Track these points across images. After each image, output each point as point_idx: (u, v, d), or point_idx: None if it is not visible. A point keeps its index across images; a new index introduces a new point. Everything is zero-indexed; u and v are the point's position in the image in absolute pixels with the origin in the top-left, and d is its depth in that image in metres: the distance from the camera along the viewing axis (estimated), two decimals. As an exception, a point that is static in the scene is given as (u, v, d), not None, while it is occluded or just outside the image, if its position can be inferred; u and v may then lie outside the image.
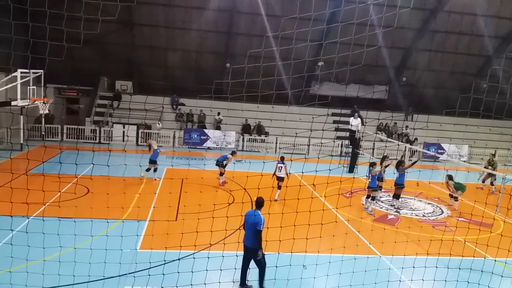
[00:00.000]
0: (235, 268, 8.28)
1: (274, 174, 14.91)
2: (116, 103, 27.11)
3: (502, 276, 9.05)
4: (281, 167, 14.84)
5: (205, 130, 26.15)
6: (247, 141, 26.49)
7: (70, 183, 13.12)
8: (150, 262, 8.61)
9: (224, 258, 8.22)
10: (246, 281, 8.32)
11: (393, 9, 14.42)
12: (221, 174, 16.55)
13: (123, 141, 24.84)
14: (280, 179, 14.79)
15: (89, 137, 25.11)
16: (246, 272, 8.32)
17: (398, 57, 29.97)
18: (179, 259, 8.58)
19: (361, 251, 9.83)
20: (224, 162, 16.51)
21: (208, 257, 8.22)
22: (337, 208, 12.71)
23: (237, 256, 8.35)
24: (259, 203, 8.35)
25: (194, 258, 8.16)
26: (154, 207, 12.58)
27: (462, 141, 28.44)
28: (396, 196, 14.91)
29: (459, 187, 15.49)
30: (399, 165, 14.94)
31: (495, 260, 9.92)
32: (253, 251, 8.07)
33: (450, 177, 15.69)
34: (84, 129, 25.43)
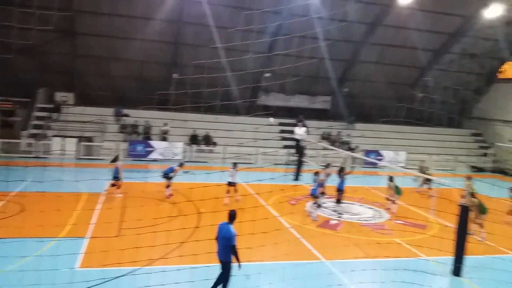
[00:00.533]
0: (178, 283, 8.16)
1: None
2: (56, 115, 25.89)
3: (434, 275, 9.63)
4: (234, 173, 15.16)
5: (150, 141, 25.61)
6: (194, 151, 26.27)
7: (2, 201, 12.34)
8: (88, 281, 8.27)
9: (171, 273, 8.08)
10: None
11: (335, 23, 15.15)
12: (168, 186, 16.27)
13: (62, 154, 23.74)
14: (232, 184, 15.03)
15: (26, 151, 23.71)
16: (216, 284, 8.12)
17: (340, 68, 31.21)
18: (117, 277, 8.33)
19: (304, 257, 10.04)
20: (170, 174, 16.23)
21: (151, 273, 8.06)
22: (280, 216, 12.93)
23: (178, 270, 8.23)
24: (232, 216, 8.07)
25: (135, 274, 7.97)
26: (94, 224, 12.10)
27: (395, 148, 29.96)
28: (338, 201, 15.46)
29: (396, 191, 16.30)
30: (341, 171, 15.53)
31: (429, 260, 10.55)
32: (224, 264, 7.90)
33: (390, 179, 16.40)
34: (19, 143, 24.00)
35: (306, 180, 19.16)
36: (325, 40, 24.71)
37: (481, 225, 13.23)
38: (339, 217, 15.14)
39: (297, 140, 21.96)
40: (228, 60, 23.25)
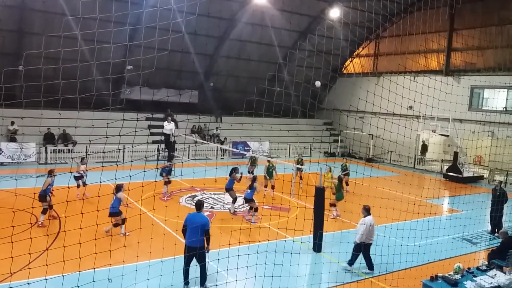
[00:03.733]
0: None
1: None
2: None
3: (299, 254, 10.64)
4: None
5: (-5, 143, 22.43)
6: (51, 152, 23.84)
7: None
8: None
9: (31, 285, 7.31)
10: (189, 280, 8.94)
11: (197, 17, 15.34)
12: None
13: None
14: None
15: None
16: (188, 272, 8.92)
17: (205, 63, 31.71)
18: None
19: (171, 252, 9.81)
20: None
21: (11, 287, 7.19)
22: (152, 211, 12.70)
23: (46, 279, 7.52)
24: (200, 205, 9.10)
25: None
26: None
27: (260, 138, 31.95)
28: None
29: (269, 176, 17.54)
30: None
31: (293, 240, 11.61)
32: (199, 249, 8.58)
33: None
34: None
35: (178, 175, 19.13)
36: (188, 34, 24.83)
37: (334, 204, 15.14)
38: (211, 208, 15.56)
39: (167, 135, 21.70)
40: (88, 51, 21.59)
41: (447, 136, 26.47)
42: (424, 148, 31.16)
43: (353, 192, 13.55)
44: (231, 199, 15.41)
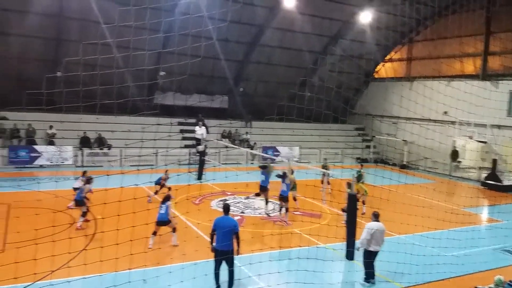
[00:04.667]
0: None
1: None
2: None
3: (331, 261, 10.50)
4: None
5: (35, 146, 23.31)
6: (87, 155, 24.59)
7: None
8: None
9: (71, 283, 7.56)
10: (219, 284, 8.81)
11: (227, 23, 15.53)
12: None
13: None
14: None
15: None
16: (219, 276, 8.76)
17: (235, 68, 31.95)
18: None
19: (205, 255, 9.78)
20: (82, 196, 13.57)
21: (52, 284, 7.44)
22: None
23: (84, 278, 7.75)
24: (227, 208, 9.06)
25: None
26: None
27: (290, 144, 31.76)
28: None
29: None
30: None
31: (325, 247, 11.46)
32: (230, 253, 8.57)
33: (292, 173, 17.27)
34: None
35: (209, 179, 19.33)
36: (219, 40, 25.10)
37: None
38: (242, 212, 15.60)
39: (198, 140, 21.98)
40: (120, 58, 22.21)
41: (485, 142, 25.49)
42: (455, 154, 29.97)
43: (389, 199, 13.25)
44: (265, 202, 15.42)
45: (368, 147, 34.40)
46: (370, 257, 9.81)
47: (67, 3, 23.94)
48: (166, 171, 16.55)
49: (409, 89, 26.38)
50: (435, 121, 20.51)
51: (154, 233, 11.10)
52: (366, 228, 9.84)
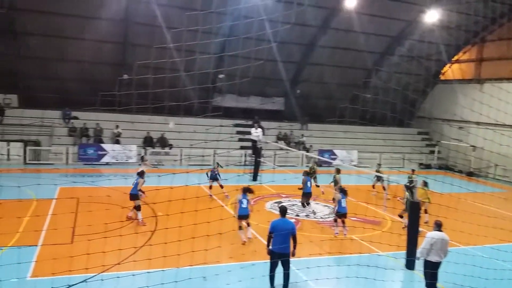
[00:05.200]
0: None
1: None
2: (-1, 118, 24.38)
3: (389, 269, 10.05)
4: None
5: (102, 144, 24.73)
6: (150, 154, 25.67)
7: None
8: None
9: (125, 278, 7.87)
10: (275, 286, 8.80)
11: (286, 25, 15.48)
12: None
13: (8, 160, 22.42)
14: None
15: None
16: (274, 278, 8.74)
17: (292, 70, 31.78)
18: (71, 285, 7.99)
19: (262, 256, 9.89)
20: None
21: (118, 277, 7.79)
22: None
23: (148, 273, 8.03)
24: (284, 211, 9.02)
25: (102, 280, 7.70)
26: (45, 230, 11.51)
27: (347, 147, 30.92)
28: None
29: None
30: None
31: (386, 255, 11.00)
32: (287, 256, 8.55)
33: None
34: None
35: (264, 180, 19.38)
36: (276, 42, 25.10)
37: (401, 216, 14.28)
38: (297, 215, 15.43)
39: (254, 141, 22.12)
40: (181, 60, 22.95)
41: None
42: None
43: (456, 208, 12.44)
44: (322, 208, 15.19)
45: (432, 152, 32.71)
46: (431, 267, 9.22)
47: (135, 9, 25.13)
48: (217, 163, 17.36)
49: (479, 91, 24.61)
50: (511, 126, 18.97)
51: (240, 228, 11.66)
52: (426, 237, 9.30)
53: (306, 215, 15.62)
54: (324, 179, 18.17)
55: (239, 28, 24.40)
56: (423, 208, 14.17)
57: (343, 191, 13.47)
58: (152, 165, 16.65)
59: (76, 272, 7.94)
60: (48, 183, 15.75)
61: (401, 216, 14.50)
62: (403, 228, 14.05)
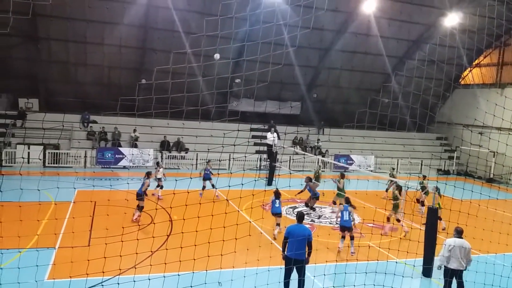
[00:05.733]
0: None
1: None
2: (20, 122, 24.93)
3: (405, 277, 9.87)
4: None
5: (120, 148, 25.06)
6: (166, 158, 25.90)
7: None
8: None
9: (142, 282, 7.91)
10: None
11: (303, 29, 15.42)
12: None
13: (28, 163, 22.91)
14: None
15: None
16: (289, 284, 8.66)
17: (309, 75, 31.66)
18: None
19: (277, 262, 9.70)
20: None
21: (134, 281, 7.85)
22: (255, 220, 12.91)
23: (164, 277, 8.05)
24: (302, 217, 9.01)
25: (118, 283, 7.77)
26: (63, 233, 11.69)
27: (364, 152, 30.59)
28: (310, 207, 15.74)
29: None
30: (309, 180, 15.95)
31: (404, 263, 10.80)
32: (302, 262, 8.47)
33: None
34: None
35: (280, 185, 19.26)
36: (293, 47, 25.05)
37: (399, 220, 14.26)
38: (311, 221, 15.31)
39: (269, 145, 22.08)
40: (197, 65, 23.11)
41: None
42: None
43: (476, 215, 12.14)
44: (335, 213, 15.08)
45: (450, 158, 32.10)
46: (451, 275, 9.03)
47: (155, 15, 25.46)
48: (209, 161, 18.73)
49: (500, 95, 24.12)
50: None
51: (277, 224, 13.00)
52: (444, 244, 9.15)
53: (319, 221, 15.49)
54: (330, 184, 17.99)
55: (256, 33, 24.47)
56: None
57: (347, 201, 12.64)
58: (160, 177, 17.27)
59: (92, 275, 8.01)
60: (66, 186, 15.97)
61: (392, 219, 14.39)
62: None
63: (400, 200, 14.45)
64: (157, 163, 17.85)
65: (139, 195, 13.91)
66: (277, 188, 13.76)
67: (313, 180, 17.25)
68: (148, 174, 14.71)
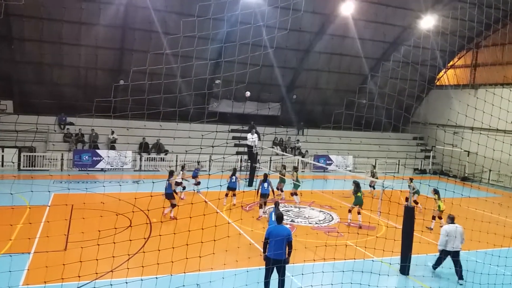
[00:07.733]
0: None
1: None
2: (-7, 124, 24.24)
3: (383, 275, 10.05)
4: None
5: (97, 150, 24.65)
6: (145, 160, 25.61)
7: None
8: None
9: (119, 286, 7.82)
10: None
11: (283, 31, 15.53)
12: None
13: (2, 166, 22.32)
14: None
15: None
16: (269, 284, 8.73)
17: (288, 76, 31.85)
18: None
19: (256, 263, 9.81)
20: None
21: (111, 284, 7.75)
22: (236, 221, 12.91)
23: (142, 280, 7.98)
24: (281, 217, 9.05)
25: (95, 287, 7.65)
26: (39, 238, 11.44)
27: (341, 152, 30.95)
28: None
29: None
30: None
31: (381, 261, 10.98)
32: (283, 262, 8.56)
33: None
34: None
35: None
36: (272, 48, 25.17)
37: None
38: (291, 221, 15.41)
39: (250, 146, 22.14)
40: (176, 66, 22.96)
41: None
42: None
43: (451, 213, 12.47)
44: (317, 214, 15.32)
45: (427, 157, 32.81)
46: (452, 256, 10.52)
47: (133, 15, 25.14)
48: (199, 162, 20.00)
49: (473, 97, 24.75)
50: (504, 131, 19.13)
51: (260, 206, 14.86)
52: (441, 230, 10.81)
53: (300, 220, 15.61)
54: (317, 184, 18.16)
55: (236, 34, 24.48)
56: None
57: (265, 177, 15.65)
58: (182, 180, 17.53)
59: (68, 279, 7.88)
60: (42, 190, 15.66)
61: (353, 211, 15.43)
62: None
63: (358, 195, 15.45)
64: (182, 167, 18.09)
65: (169, 194, 14.39)
66: (265, 173, 15.75)
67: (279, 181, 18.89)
68: (171, 174, 15.61)
